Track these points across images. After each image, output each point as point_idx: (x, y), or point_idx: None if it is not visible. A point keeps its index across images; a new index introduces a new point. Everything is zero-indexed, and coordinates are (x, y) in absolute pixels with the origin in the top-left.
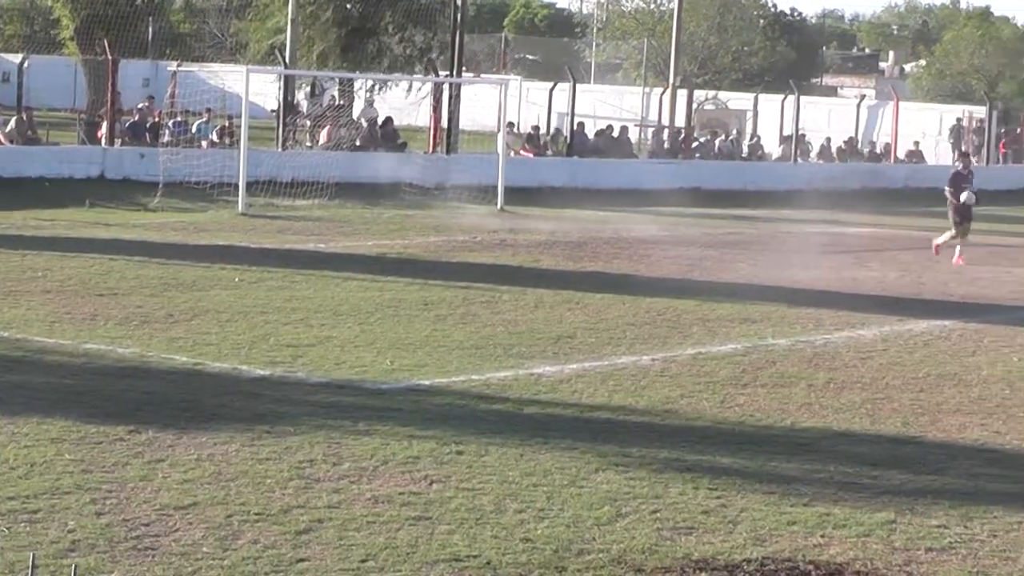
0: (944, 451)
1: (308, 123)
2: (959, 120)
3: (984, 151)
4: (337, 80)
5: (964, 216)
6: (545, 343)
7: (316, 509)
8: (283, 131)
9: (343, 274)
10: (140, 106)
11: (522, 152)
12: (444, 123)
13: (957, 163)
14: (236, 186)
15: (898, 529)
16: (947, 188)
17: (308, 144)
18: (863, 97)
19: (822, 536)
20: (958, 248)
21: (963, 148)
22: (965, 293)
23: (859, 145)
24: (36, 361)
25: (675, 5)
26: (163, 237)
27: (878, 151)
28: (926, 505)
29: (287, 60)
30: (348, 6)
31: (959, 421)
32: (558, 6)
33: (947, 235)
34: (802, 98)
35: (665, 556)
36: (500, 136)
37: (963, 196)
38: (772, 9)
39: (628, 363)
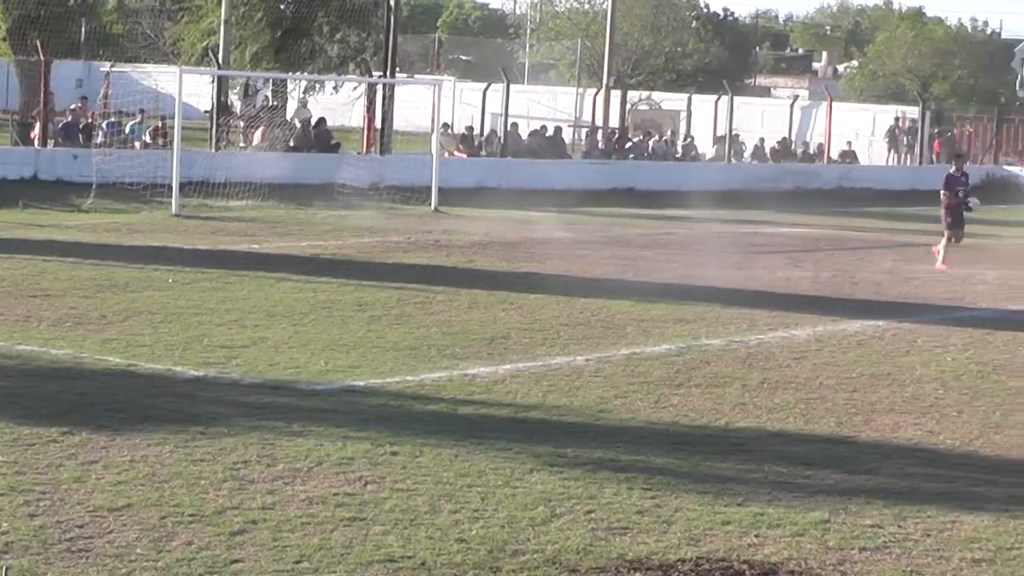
0: (878, 451)
1: (242, 124)
2: (897, 120)
3: (917, 151)
4: (271, 81)
5: (956, 220)
6: (479, 344)
7: (250, 510)
8: (216, 132)
9: (277, 275)
10: (73, 107)
11: (456, 153)
12: (378, 124)
13: (950, 166)
14: (169, 187)
15: (832, 528)
16: (942, 191)
17: (242, 145)
18: (796, 98)
19: (756, 536)
20: (941, 252)
21: (956, 150)
22: (899, 293)
23: (792, 146)
24: None
25: (608, 6)
26: (96, 238)
27: (811, 151)
28: (860, 505)
29: (220, 61)
30: (281, 7)
31: (893, 421)
32: (491, 7)
33: (943, 245)
34: (736, 99)
35: (599, 556)
36: (434, 137)
37: (972, 202)
38: (705, 10)
39: (562, 363)
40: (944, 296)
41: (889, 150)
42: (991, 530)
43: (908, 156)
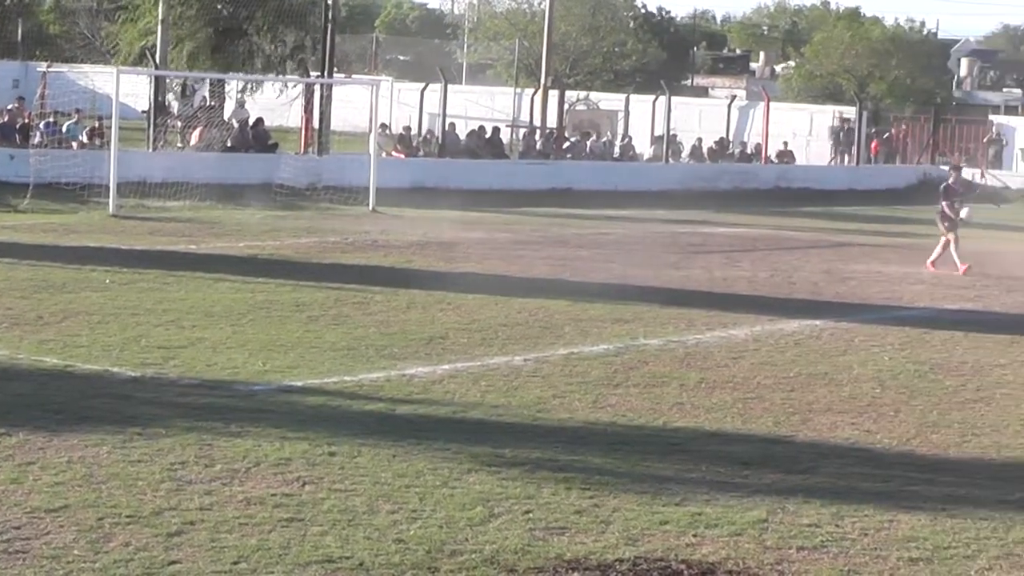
0: (815, 450)
1: (179, 124)
2: (845, 121)
3: (855, 151)
4: (208, 81)
5: (951, 226)
6: (417, 344)
7: (188, 511)
8: (154, 132)
9: (215, 275)
10: (10, 107)
11: (394, 153)
12: (315, 124)
13: (948, 176)
14: (107, 187)
15: (770, 528)
16: (942, 202)
17: (179, 145)
18: (734, 98)
19: (694, 535)
20: (934, 254)
21: (954, 163)
22: (836, 292)
23: (730, 146)
24: None
25: (546, 6)
26: (33, 239)
27: (749, 152)
28: (797, 504)
29: (158, 61)
30: (218, 6)
31: (830, 420)
32: (429, 7)
33: (954, 250)
34: (673, 99)
35: (538, 556)
36: (372, 137)
37: (963, 212)
38: (643, 10)
39: (500, 363)
40: (881, 296)
41: (835, 150)
42: (928, 529)
43: (846, 156)
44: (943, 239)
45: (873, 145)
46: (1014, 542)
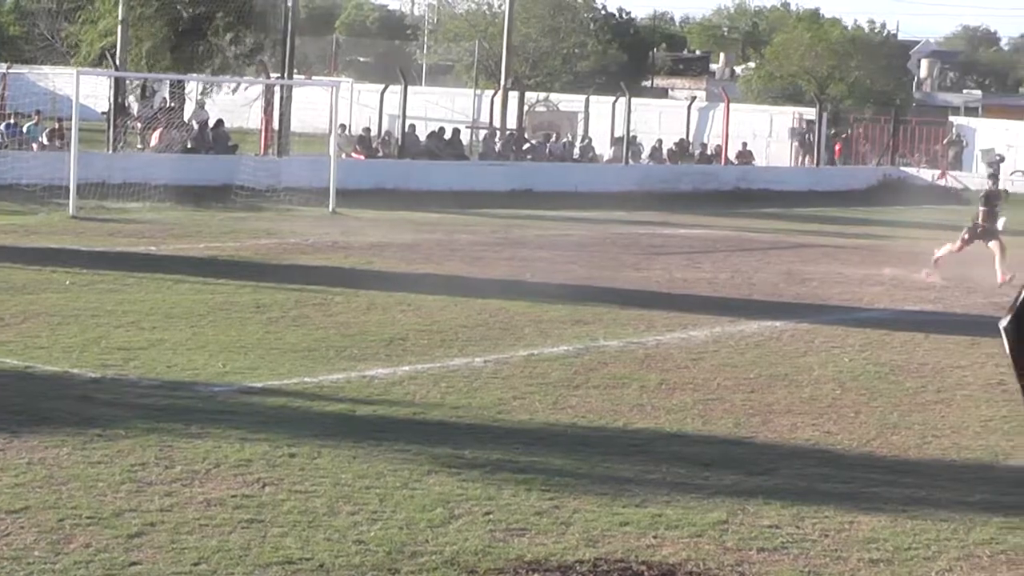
0: (776, 451)
1: (139, 125)
2: (811, 124)
3: (815, 152)
4: (168, 82)
5: (973, 236)
6: (378, 345)
7: (148, 512)
8: (114, 133)
9: (175, 277)
10: None
11: (353, 154)
12: (275, 125)
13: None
14: (67, 189)
15: (730, 529)
16: (981, 208)
17: (139, 146)
18: (694, 99)
19: (655, 537)
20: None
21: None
22: (796, 294)
23: (690, 147)
24: None
25: (506, 7)
26: None
27: (709, 153)
28: (758, 505)
29: (117, 62)
30: (178, 7)
31: (790, 421)
32: (389, 8)
33: (999, 258)
34: (633, 100)
35: (498, 558)
36: (332, 138)
37: (1000, 223)
38: (603, 12)
39: (461, 365)
40: (841, 297)
41: (800, 151)
42: (889, 530)
43: (807, 157)
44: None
45: (837, 147)
46: (974, 543)
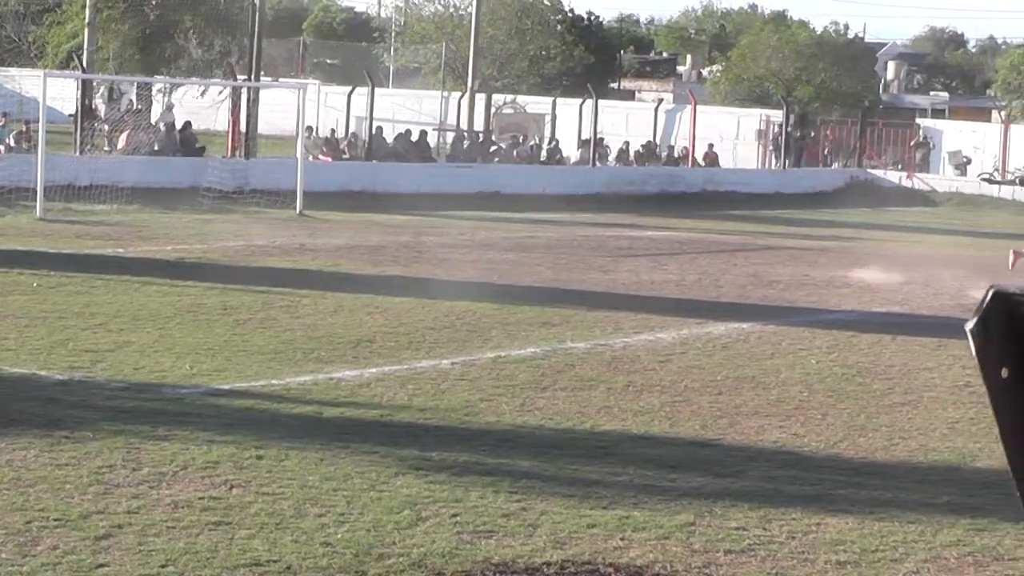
0: (743, 453)
1: (106, 128)
2: (781, 126)
3: (782, 154)
4: (135, 84)
5: None
6: (345, 347)
7: (115, 515)
8: (81, 136)
9: (142, 279)
10: None
11: (320, 156)
12: (243, 127)
13: None
14: (34, 191)
15: (697, 531)
16: None
17: (106, 149)
18: (661, 101)
19: (622, 539)
20: None
21: None
22: (763, 296)
23: (657, 149)
24: None
25: (473, 9)
26: None
27: (676, 155)
28: (725, 507)
29: (84, 64)
30: (145, 10)
31: (757, 423)
32: (356, 10)
33: None
34: (600, 102)
35: (465, 560)
36: (299, 141)
37: None
38: (570, 13)
39: (428, 367)
40: (808, 299)
41: (775, 154)
42: (856, 532)
43: (774, 159)
44: None
45: (810, 148)
46: (941, 545)
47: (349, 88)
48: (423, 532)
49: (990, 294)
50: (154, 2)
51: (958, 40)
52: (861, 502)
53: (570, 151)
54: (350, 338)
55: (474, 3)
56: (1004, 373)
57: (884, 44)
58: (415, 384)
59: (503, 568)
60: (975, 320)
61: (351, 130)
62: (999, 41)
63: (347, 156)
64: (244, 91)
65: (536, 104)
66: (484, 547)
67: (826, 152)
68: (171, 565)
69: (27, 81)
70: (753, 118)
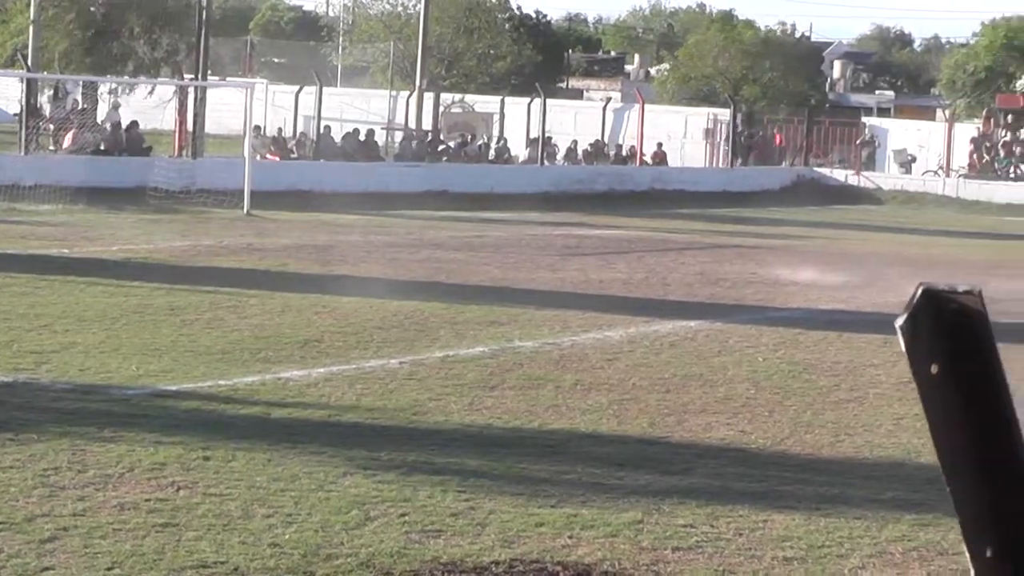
0: (690, 451)
1: (51, 127)
2: (745, 125)
3: (730, 153)
4: (81, 83)
5: None
6: (292, 347)
7: (61, 517)
8: (26, 135)
9: (88, 279)
10: None
11: (268, 156)
12: (190, 127)
13: None
14: None
15: (645, 529)
16: None
17: (52, 148)
18: (609, 100)
19: (570, 537)
20: None
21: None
22: (710, 294)
23: (605, 148)
24: None
25: (421, 8)
26: None
27: (624, 154)
28: (673, 505)
29: (30, 63)
30: (92, 8)
31: (705, 421)
32: (304, 9)
33: None
34: (548, 101)
35: (413, 559)
36: (246, 140)
37: None
38: (518, 12)
39: (376, 366)
40: (755, 297)
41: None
42: (802, 528)
43: (722, 158)
44: None
45: (758, 147)
46: (887, 540)
47: (297, 87)
48: (371, 532)
49: (919, 291)
50: (100, 0)
51: (904, 39)
52: (807, 498)
53: (518, 150)
54: (298, 338)
55: (422, 2)
56: (934, 369)
57: (830, 43)
58: (363, 384)
59: (451, 567)
60: (905, 317)
61: (299, 129)
62: (944, 40)
63: (295, 155)
64: (191, 90)
65: (484, 103)
66: (432, 546)
67: (779, 147)
68: (117, 568)
69: None
70: (701, 117)
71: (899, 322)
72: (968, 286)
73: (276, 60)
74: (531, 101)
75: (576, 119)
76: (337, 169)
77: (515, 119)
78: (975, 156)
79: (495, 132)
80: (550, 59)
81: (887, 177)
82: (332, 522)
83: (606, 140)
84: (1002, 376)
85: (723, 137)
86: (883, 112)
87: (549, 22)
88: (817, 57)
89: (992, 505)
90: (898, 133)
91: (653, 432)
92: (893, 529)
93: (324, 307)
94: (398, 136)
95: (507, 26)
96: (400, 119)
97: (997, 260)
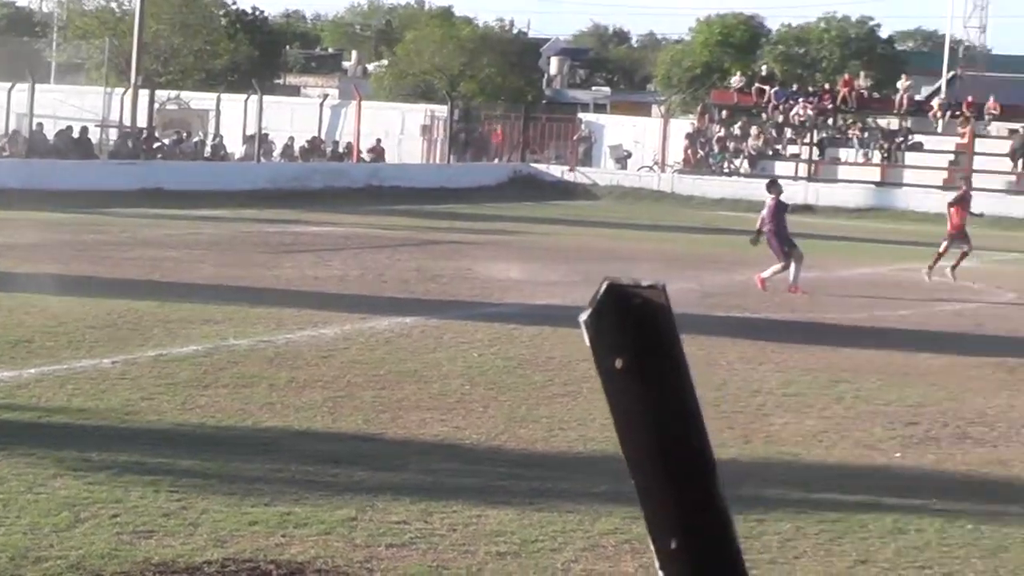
0: (405, 447)
1: None
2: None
3: (447, 149)
4: None
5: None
6: (2, 348)
7: None
8: None
9: None
10: None
11: None
12: None
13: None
14: None
15: (359, 526)
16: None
17: None
18: (326, 96)
19: (283, 535)
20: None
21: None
22: (426, 290)
23: (322, 145)
24: None
25: (136, 4)
26: None
27: (341, 150)
28: (386, 501)
29: None
30: None
31: (419, 417)
32: (18, 5)
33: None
34: (265, 98)
35: (125, 560)
36: None
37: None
38: (234, 7)
39: (88, 366)
40: (471, 293)
41: (451, 149)
42: (516, 523)
43: (439, 154)
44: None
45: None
46: (599, 533)
47: (9, 84)
48: (82, 534)
49: (604, 287)
50: None
51: (622, 36)
52: (521, 493)
53: (235, 147)
54: (8, 338)
55: None
56: (619, 364)
57: (548, 40)
58: (75, 384)
59: (163, 568)
60: (589, 312)
61: (11, 127)
62: (660, 37)
63: (7, 153)
64: None
65: (200, 100)
66: (144, 547)
67: (496, 143)
68: None
69: None
70: (418, 113)
71: (583, 317)
72: (652, 281)
73: None
74: (248, 98)
75: (293, 116)
76: (48, 167)
77: (231, 116)
78: (690, 152)
79: (211, 129)
80: (267, 56)
81: (603, 173)
82: (41, 524)
83: (323, 137)
84: (686, 370)
85: (440, 134)
86: (599, 108)
87: (266, 18)
88: (535, 53)
89: (676, 498)
90: (614, 129)
91: (367, 429)
92: (606, 522)
93: (34, 307)
94: (113, 134)
95: (224, 22)
96: (115, 116)
97: (711, 254)
